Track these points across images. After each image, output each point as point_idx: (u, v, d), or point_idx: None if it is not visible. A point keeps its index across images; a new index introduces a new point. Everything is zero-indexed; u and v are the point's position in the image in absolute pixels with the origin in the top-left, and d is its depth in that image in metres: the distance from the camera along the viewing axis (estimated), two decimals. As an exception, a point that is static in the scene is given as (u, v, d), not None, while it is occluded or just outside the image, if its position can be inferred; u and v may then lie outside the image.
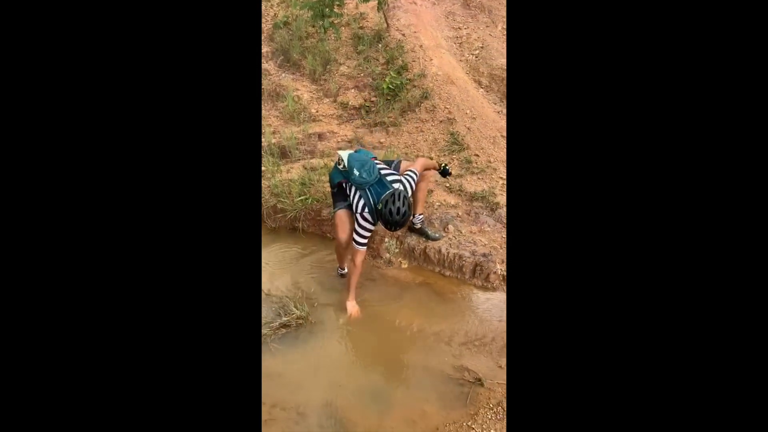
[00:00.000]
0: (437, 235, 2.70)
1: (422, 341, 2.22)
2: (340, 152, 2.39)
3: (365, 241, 2.31)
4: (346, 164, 2.31)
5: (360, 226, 2.28)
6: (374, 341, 2.26)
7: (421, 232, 2.71)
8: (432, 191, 3.03)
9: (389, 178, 2.30)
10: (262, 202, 3.11)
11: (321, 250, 2.86)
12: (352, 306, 2.35)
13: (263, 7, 5.50)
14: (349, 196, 2.35)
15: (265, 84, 4.48)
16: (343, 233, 2.36)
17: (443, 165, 2.63)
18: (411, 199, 2.32)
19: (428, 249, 2.66)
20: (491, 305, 2.39)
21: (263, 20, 5.38)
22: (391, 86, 3.91)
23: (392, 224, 2.16)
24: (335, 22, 4.51)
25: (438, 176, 3.13)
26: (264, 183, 3.27)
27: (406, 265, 2.71)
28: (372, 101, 4.00)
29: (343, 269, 2.59)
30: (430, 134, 3.58)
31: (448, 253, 2.61)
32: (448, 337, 2.22)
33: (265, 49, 5.00)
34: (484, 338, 2.20)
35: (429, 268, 2.67)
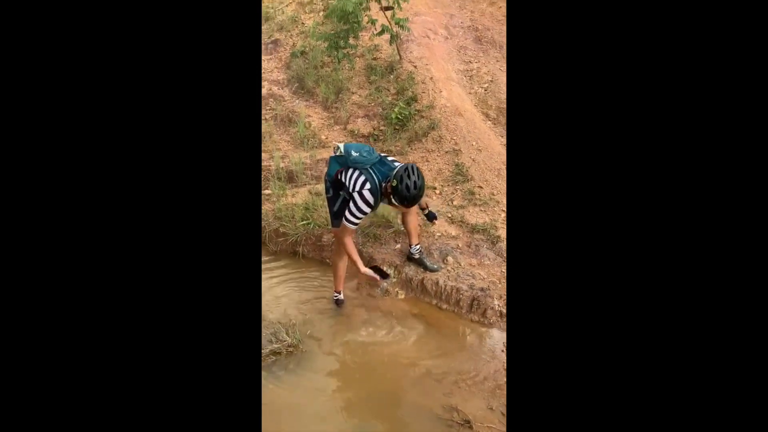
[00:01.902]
0: (436, 266, 2.61)
1: (413, 377, 2.11)
2: (337, 143, 2.34)
3: (359, 221, 2.15)
4: (342, 150, 2.20)
5: (357, 207, 2.08)
6: (363, 375, 2.16)
7: (420, 263, 2.63)
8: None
9: (390, 159, 2.25)
10: (265, 225, 3.08)
11: (320, 276, 2.79)
12: (366, 270, 2.19)
13: (283, 36, 5.63)
14: (347, 185, 2.15)
15: (279, 110, 4.53)
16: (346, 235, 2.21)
17: (428, 210, 2.54)
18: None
19: (426, 280, 2.56)
20: (486, 342, 2.27)
21: (283, 49, 5.50)
22: (399, 116, 3.90)
23: (410, 199, 2.05)
24: (349, 53, 4.57)
25: (440, 207, 3.07)
26: (268, 206, 3.24)
27: (402, 296, 2.61)
28: (381, 130, 3.99)
29: (339, 293, 2.51)
30: (436, 164, 3.53)
31: (445, 285, 2.51)
32: (441, 373, 2.11)
33: (281, 76, 5.08)
34: (476, 377, 2.08)
35: (426, 300, 2.56)
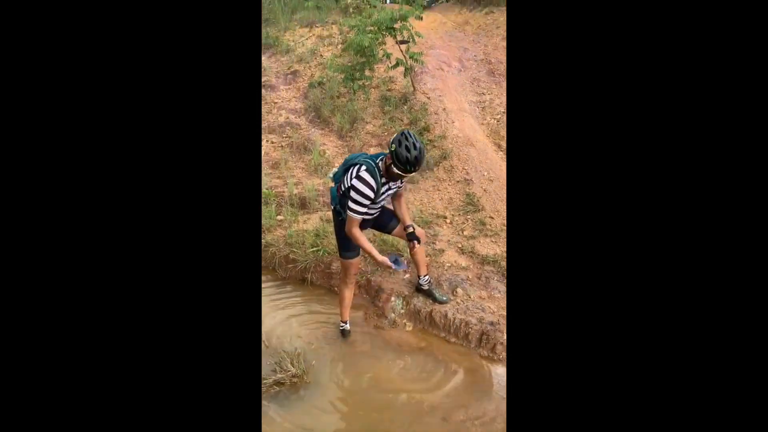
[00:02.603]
0: (445, 297, 2.53)
1: (418, 414, 2.00)
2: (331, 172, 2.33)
3: (363, 209, 1.98)
4: (335, 171, 2.24)
5: (357, 191, 1.94)
6: (368, 410, 2.06)
7: (429, 294, 2.55)
8: (443, 251, 2.89)
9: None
10: (276, 251, 3.06)
11: (327, 303, 2.73)
12: (382, 259, 2.04)
13: (301, 68, 5.78)
14: (346, 186, 2.06)
15: (296, 137, 4.59)
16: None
17: (412, 227, 2.27)
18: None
19: (434, 312, 2.48)
20: (496, 380, 2.17)
21: (301, 80, 5.63)
22: (412, 145, 3.90)
23: (413, 161, 1.85)
24: (365, 84, 4.65)
25: (451, 237, 3.01)
26: (280, 232, 3.23)
27: (410, 328, 2.53)
28: (393, 158, 4.00)
29: (345, 323, 2.44)
30: (447, 193, 3.49)
31: (454, 318, 2.43)
32: (447, 411, 2.00)
33: (299, 105, 5.18)
34: (483, 417, 1.96)
35: (434, 332, 2.48)
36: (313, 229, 3.12)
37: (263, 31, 6.61)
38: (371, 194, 1.97)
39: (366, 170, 1.98)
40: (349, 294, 2.35)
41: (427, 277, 2.53)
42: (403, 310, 2.58)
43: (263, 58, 6.22)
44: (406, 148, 1.86)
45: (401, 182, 2.18)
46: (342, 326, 2.45)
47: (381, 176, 2.00)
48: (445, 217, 3.25)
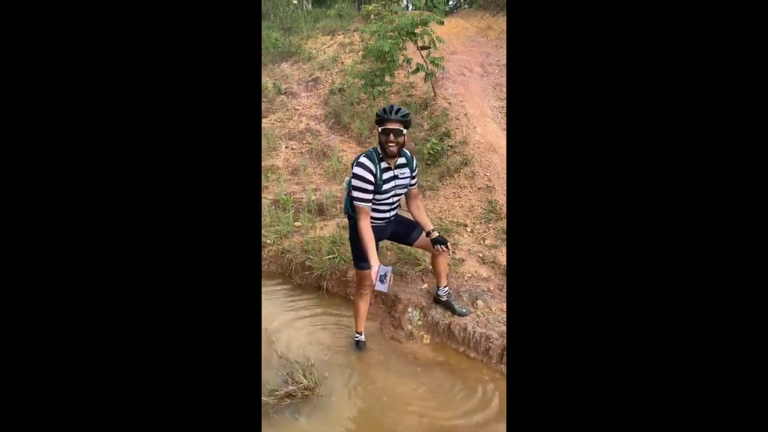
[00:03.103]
0: (464, 310, 2.39)
1: (435, 434, 1.86)
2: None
3: (368, 196, 1.90)
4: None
5: (357, 177, 1.88)
6: (380, 426, 1.94)
7: (447, 306, 2.41)
8: (463, 260, 2.75)
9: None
10: (292, 257, 2.98)
11: (342, 313, 2.62)
12: (373, 269, 1.80)
13: (323, 75, 5.74)
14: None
15: (315, 144, 4.54)
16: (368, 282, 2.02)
17: (436, 233, 2.05)
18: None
19: (453, 325, 2.34)
20: (519, 400, 2.00)
21: (322, 87, 5.59)
22: (432, 151, 3.78)
23: (387, 110, 1.86)
24: (385, 90, 4.56)
25: (471, 246, 2.86)
26: (297, 239, 3.15)
27: (428, 341, 2.39)
28: (412, 165, 3.88)
29: (360, 334, 2.32)
30: (468, 200, 3.35)
31: (474, 332, 2.28)
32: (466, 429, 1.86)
33: (319, 112, 5.14)
34: (506, 441, 1.81)
35: (452, 346, 2.33)
36: (329, 236, 3.03)
37: (286, 39, 6.67)
38: (370, 177, 1.90)
39: (364, 156, 1.94)
40: (363, 305, 2.23)
41: (446, 288, 2.40)
42: (420, 322, 2.45)
43: (285, 65, 6.25)
44: (382, 109, 1.89)
45: (410, 174, 2.03)
46: (356, 337, 2.33)
47: (380, 160, 1.94)
48: (466, 225, 3.11)
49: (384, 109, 1.89)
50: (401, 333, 2.42)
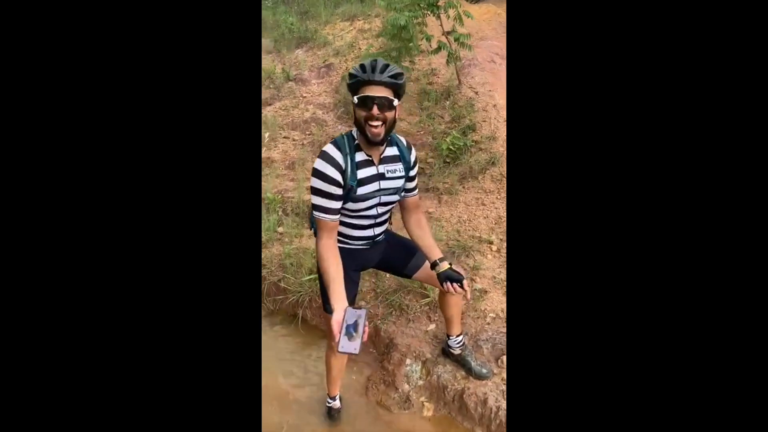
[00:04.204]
0: (485, 370, 1.62)
1: None
2: None
3: (330, 204, 1.18)
4: None
5: (315, 173, 1.17)
6: None
7: (461, 362, 1.66)
8: (486, 292, 1.98)
9: None
10: (266, 274, 2.28)
11: (318, 354, 1.91)
12: (336, 320, 1.04)
13: (337, 61, 5.08)
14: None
15: (318, 135, 3.85)
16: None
17: (447, 265, 1.29)
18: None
19: (467, 393, 1.58)
20: None
21: (335, 73, 4.92)
22: (452, 147, 3.01)
23: (371, 66, 1.12)
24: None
25: (497, 272, 2.09)
26: (277, 249, 2.45)
27: (429, 412, 1.64)
28: (428, 162, 3.11)
29: (334, 399, 1.60)
30: (494, 210, 2.56)
31: (498, 407, 1.51)
32: None
33: (328, 100, 4.46)
34: None
35: (464, 424, 1.57)
36: (313, 249, 2.31)
37: (302, 25, 6.08)
38: (335, 174, 1.16)
39: (330, 143, 1.21)
40: (338, 363, 1.50)
41: (459, 338, 1.64)
42: (421, 381, 1.70)
43: (300, 52, 5.63)
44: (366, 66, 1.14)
45: (404, 172, 1.28)
46: (329, 403, 1.60)
47: (355, 149, 1.20)
48: (491, 243, 2.33)
49: (362, 66, 1.14)
50: (394, 396, 1.68)
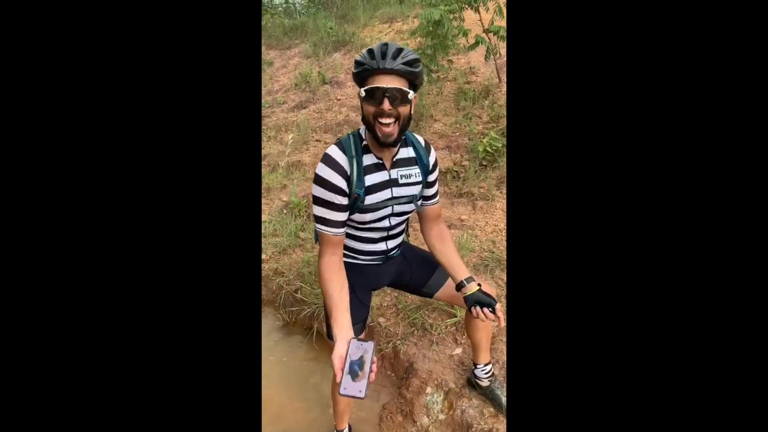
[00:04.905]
0: (518, 407, 1.36)
1: None
2: None
3: (334, 216, 0.99)
4: None
5: (316, 180, 0.98)
6: None
7: (490, 396, 1.40)
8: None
9: None
10: (284, 283, 2.13)
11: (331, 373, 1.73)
12: (338, 353, 0.85)
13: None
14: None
15: (350, 137, 3.70)
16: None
17: (475, 286, 1.07)
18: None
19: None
20: None
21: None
22: (489, 149, 2.73)
23: (381, 52, 0.91)
24: (437, 74, 3.57)
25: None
26: (298, 255, 2.31)
27: (451, 453, 1.40)
28: (462, 165, 2.85)
29: (342, 431, 1.41)
30: (535, 219, 2.26)
31: (532, 456, 1.25)
32: None
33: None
34: None
35: (492, 473, 1.32)
36: (335, 257, 2.14)
37: (341, 28, 6.02)
38: (339, 182, 0.97)
39: (334, 145, 1.01)
40: (344, 397, 1.30)
41: (489, 368, 1.38)
42: (442, 415, 1.46)
43: (337, 55, 5.55)
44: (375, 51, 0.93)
45: (421, 177, 1.07)
46: (336, 433, 1.41)
47: (363, 151, 1.00)
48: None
49: (370, 51, 0.93)
50: (411, 429, 1.45)
